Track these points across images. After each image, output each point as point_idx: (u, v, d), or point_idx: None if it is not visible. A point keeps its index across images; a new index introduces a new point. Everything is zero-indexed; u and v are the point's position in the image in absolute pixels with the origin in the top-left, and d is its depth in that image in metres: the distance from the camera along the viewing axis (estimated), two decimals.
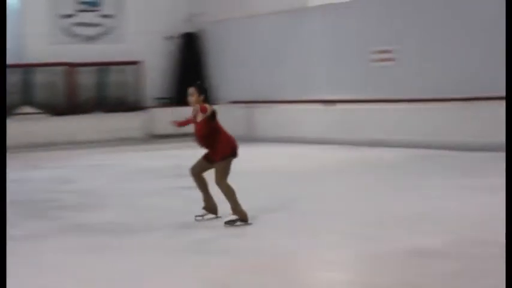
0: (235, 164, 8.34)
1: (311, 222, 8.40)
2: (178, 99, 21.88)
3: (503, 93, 16.05)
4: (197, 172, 8.64)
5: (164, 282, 6.01)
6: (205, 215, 8.75)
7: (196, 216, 8.71)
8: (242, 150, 8.44)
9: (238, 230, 7.97)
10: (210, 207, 8.76)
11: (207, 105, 8.46)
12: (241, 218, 8.35)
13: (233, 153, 8.46)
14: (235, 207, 8.39)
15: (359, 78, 18.35)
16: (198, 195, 8.62)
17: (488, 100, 15.57)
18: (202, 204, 8.71)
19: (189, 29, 22.54)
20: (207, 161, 8.55)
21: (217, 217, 8.69)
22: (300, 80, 19.95)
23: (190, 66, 22.09)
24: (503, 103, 16.31)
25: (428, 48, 17.06)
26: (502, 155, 14.27)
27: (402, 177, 12.11)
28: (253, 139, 19.93)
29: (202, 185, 8.69)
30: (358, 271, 6.22)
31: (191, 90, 8.56)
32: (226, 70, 21.96)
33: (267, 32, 20.82)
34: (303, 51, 19.86)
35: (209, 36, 22.56)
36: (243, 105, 20.98)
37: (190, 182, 8.36)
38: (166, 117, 21.09)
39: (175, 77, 22.24)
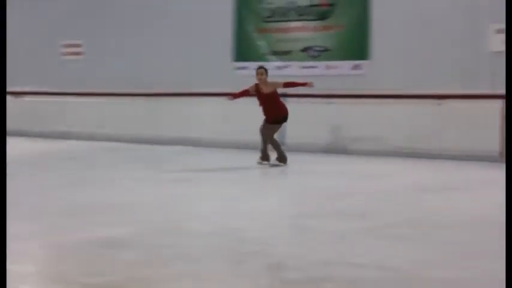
0: None
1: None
2: None
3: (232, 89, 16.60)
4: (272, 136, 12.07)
5: None
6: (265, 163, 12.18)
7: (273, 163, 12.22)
8: None
9: None
10: (268, 158, 12.26)
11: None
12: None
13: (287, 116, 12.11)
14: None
15: (50, 71, 18.16)
16: None
17: (191, 96, 16.28)
18: None
19: None
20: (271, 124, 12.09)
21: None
22: None
23: None
24: (247, 101, 16.99)
25: (118, 43, 17.31)
26: (191, 149, 14.85)
27: (90, 168, 12.16)
28: None
29: (277, 144, 12.15)
30: (44, 262, 6.12)
31: (262, 70, 11.95)
32: None
33: None
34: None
35: None
36: None
37: None
38: None
39: None
